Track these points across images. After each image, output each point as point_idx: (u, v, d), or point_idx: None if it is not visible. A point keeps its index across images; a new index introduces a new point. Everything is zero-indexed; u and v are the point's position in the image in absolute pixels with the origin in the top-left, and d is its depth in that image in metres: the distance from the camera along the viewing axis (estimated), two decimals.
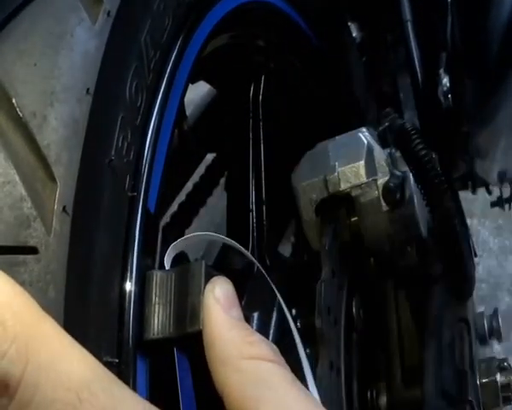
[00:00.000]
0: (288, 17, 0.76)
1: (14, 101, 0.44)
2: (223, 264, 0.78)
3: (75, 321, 0.43)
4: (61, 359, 0.36)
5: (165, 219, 0.76)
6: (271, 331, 0.75)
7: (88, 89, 0.46)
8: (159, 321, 0.50)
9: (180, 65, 0.59)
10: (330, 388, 0.72)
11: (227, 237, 0.59)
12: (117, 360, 0.47)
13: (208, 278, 0.49)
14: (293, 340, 0.60)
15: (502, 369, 1.01)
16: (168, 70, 0.57)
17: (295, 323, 0.62)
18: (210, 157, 0.96)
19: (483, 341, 1.07)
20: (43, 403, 0.34)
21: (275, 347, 0.44)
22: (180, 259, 0.56)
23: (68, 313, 0.42)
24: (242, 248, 0.58)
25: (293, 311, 0.76)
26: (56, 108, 0.45)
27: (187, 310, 0.49)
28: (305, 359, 0.59)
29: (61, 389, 0.35)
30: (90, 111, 0.46)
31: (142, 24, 0.54)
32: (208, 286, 0.48)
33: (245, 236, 0.77)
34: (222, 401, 0.43)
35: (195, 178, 0.91)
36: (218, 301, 0.47)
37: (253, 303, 0.75)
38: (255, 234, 0.78)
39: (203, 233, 0.57)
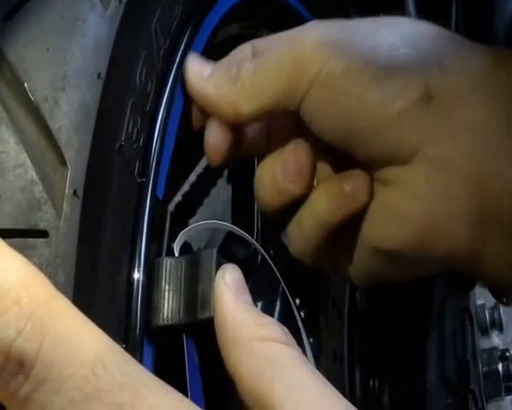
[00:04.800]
0: (296, 10, 0.76)
1: (25, 85, 0.44)
2: (226, 253, 0.78)
3: (84, 305, 0.43)
4: (76, 335, 0.36)
5: (171, 208, 0.76)
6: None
7: (99, 74, 0.46)
8: (169, 308, 0.50)
9: (189, 53, 0.60)
10: (333, 377, 0.72)
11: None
12: (124, 346, 0.47)
13: (218, 266, 0.49)
14: (297, 329, 0.60)
15: (503, 359, 1.02)
16: (177, 58, 0.58)
17: (299, 312, 0.62)
18: None
19: (484, 332, 1.08)
20: (59, 380, 0.35)
21: (286, 329, 0.45)
22: (184, 247, 0.56)
23: (77, 296, 0.43)
24: (249, 237, 0.58)
25: (297, 300, 0.76)
26: (68, 92, 0.45)
27: (197, 297, 0.49)
28: (309, 348, 0.59)
29: (76, 364, 0.35)
30: (101, 96, 0.46)
31: (152, 12, 0.54)
32: (219, 273, 0.49)
33: (249, 226, 0.78)
34: (230, 388, 0.44)
35: (199, 169, 0.91)
36: (229, 288, 0.47)
37: (257, 292, 0.75)
38: (259, 224, 0.78)
39: (212, 221, 0.58)
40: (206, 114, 0.60)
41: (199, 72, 0.59)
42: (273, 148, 0.62)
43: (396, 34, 0.58)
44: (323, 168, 0.62)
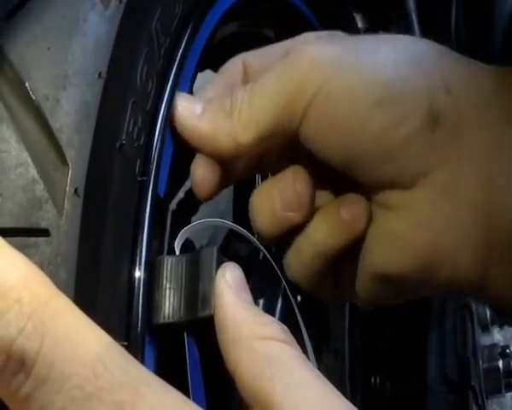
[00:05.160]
0: (296, 7, 0.76)
1: (27, 84, 0.44)
2: (227, 251, 0.78)
3: (85, 303, 0.43)
4: (77, 334, 0.36)
5: (172, 206, 0.76)
6: (276, 318, 0.75)
7: (100, 73, 0.47)
8: (170, 305, 0.50)
9: (189, 52, 0.60)
10: (334, 374, 0.72)
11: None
12: (126, 343, 0.47)
13: (219, 265, 0.50)
14: (298, 327, 0.60)
15: (504, 356, 1.02)
16: (178, 57, 0.58)
17: (300, 310, 0.62)
18: None
19: (485, 328, 1.08)
20: (59, 379, 0.35)
21: (286, 328, 0.45)
22: (185, 245, 0.56)
23: (78, 295, 0.43)
24: (251, 236, 0.59)
25: (299, 298, 0.76)
26: (69, 91, 0.45)
27: (198, 295, 0.50)
28: (310, 346, 0.59)
29: (77, 364, 0.35)
30: (102, 95, 0.46)
31: (152, 11, 0.54)
32: (219, 272, 0.49)
33: (250, 224, 0.78)
34: (231, 385, 0.44)
35: None
36: (230, 286, 0.48)
37: (258, 290, 0.75)
38: None
39: (213, 219, 0.58)
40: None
41: (190, 110, 0.57)
42: (269, 172, 0.62)
43: (400, 51, 0.56)
44: (322, 192, 0.62)
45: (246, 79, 0.62)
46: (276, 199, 0.59)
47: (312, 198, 0.59)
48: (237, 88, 0.57)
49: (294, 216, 0.59)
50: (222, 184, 0.60)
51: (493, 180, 0.54)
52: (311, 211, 0.59)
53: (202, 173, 0.58)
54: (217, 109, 0.57)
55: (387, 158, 0.54)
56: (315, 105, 0.54)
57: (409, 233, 0.55)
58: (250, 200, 0.60)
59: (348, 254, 0.60)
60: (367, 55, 0.56)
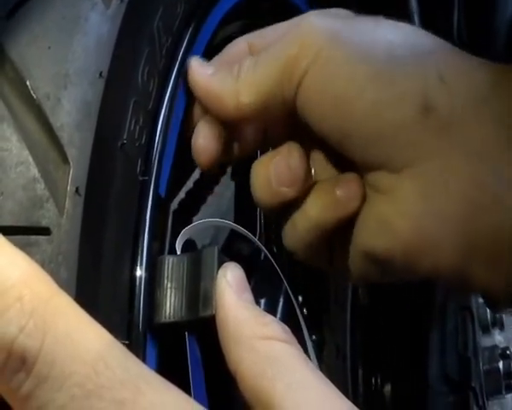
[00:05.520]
0: (297, 7, 0.76)
1: (28, 83, 0.44)
2: (229, 251, 0.78)
3: (86, 302, 0.43)
4: (78, 333, 0.36)
5: (173, 206, 0.76)
6: (277, 318, 0.75)
7: (101, 72, 0.47)
8: (171, 305, 0.50)
9: (191, 52, 0.60)
10: (336, 373, 0.72)
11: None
12: (126, 343, 0.47)
13: (220, 264, 0.50)
14: (300, 326, 0.60)
15: (504, 357, 1.02)
16: (179, 56, 0.58)
17: (301, 310, 0.62)
18: None
19: (486, 330, 1.08)
20: (60, 377, 0.35)
21: (287, 328, 0.45)
22: (187, 245, 0.56)
23: (80, 294, 0.43)
24: (252, 236, 0.59)
25: (300, 298, 0.76)
26: (70, 90, 0.45)
27: (199, 295, 0.50)
28: (311, 345, 0.59)
29: (77, 362, 0.35)
30: (103, 94, 0.46)
31: (154, 10, 0.54)
32: (220, 271, 0.49)
33: (252, 224, 0.78)
34: (232, 385, 0.44)
35: None
36: (231, 286, 0.47)
37: (259, 290, 0.75)
38: (262, 222, 0.79)
39: (215, 220, 0.58)
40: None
41: (203, 69, 0.60)
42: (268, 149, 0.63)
43: (395, 34, 0.57)
44: (320, 169, 0.62)
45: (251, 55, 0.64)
46: (271, 173, 0.60)
47: (307, 175, 0.60)
48: (245, 58, 0.60)
49: (288, 191, 0.60)
50: (223, 155, 0.61)
51: (482, 179, 0.54)
52: (306, 187, 0.61)
53: (204, 140, 0.60)
54: (226, 72, 0.60)
55: (378, 138, 0.55)
56: (311, 73, 0.56)
57: (395, 219, 0.56)
58: (251, 170, 0.62)
59: (342, 231, 0.61)
60: (366, 31, 0.58)
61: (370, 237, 0.58)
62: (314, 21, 0.58)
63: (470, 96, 0.55)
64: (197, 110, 0.61)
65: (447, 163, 0.54)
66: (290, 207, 0.61)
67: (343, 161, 0.60)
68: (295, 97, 0.57)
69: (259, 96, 0.58)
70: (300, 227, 0.61)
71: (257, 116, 0.60)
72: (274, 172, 0.60)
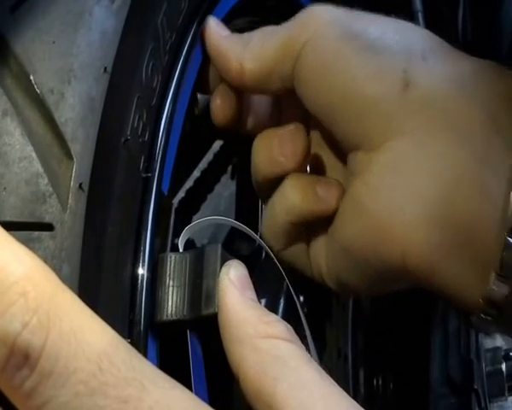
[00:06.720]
0: (302, 6, 0.76)
1: (31, 77, 0.43)
2: (230, 249, 0.78)
3: (89, 299, 0.43)
4: (82, 329, 0.36)
5: (174, 204, 0.76)
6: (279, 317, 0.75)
7: (105, 67, 0.46)
8: (173, 303, 0.50)
9: (195, 48, 0.60)
10: (337, 374, 0.72)
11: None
12: (128, 340, 0.47)
13: (223, 262, 0.49)
14: (301, 326, 0.60)
15: (507, 359, 1.02)
16: (183, 53, 0.58)
17: (303, 309, 0.62)
18: (217, 145, 0.96)
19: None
20: (64, 374, 0.34)
21: (290, 327, 0.44)
22: (186, 243, 0.56)
23: (82, 290, 0.42)
24: (253, 234, 0.58)
25: (302, 297, 0.76)
26: (74, 85, 0.45)
27: (202, 293, 0.49)
28: (313, 345, 0.59)
29: (81, 359, 0.35)
30: (107, 90, 0.46)
31: (158, 5, 0.54)
32: (223, 269, 0.49)
33: (253, 222, 0.78)
34: (234, 384, 0.44)
35: (204, 164, 0.91)
36: (234, 284, 0.47)
37: (261, 289, 0.75)
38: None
39: (217, 217, 0.58)
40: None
41: (218, 29, 0.64)
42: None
43: (391, 25, 0.60)
44: (317, 154, 0.66)
45: None
46: (274, 141, 0.63)
47: (306, 152, 0.63)
48: (256, 31, 0.65)
49: (286, 162, 0.62)
50: (238, 120, 0.67)
51: (461, 162, 0.53)
52: (303, 165, 0.64)
53: (221, 100, 0.65)
54: (237, 38, 0.64)
55: (359, 112, 0.57)
56: (306, 48, 0.60)
57: (367, 198, 0.57)
58: (253, 142, 0.65)
59: (320, 226, 0.63)
60: (363, 18, 0.61)
61: (347, 227, 0.59)
62: (317, 9, 0.62)
63: (452, 79, 0.56)
64: (213, 73, 0.65)
65: (422, 139, 0.55)
66: (274, 190, 0.64)
67: (338, 153, 0.64)
68: (293, 73, 0.60)
69: (261, 64, 0.62)
70: (278, 211, 0.63)
71: (258, 86, 0.63)
72: (277, 140, 0.63)
